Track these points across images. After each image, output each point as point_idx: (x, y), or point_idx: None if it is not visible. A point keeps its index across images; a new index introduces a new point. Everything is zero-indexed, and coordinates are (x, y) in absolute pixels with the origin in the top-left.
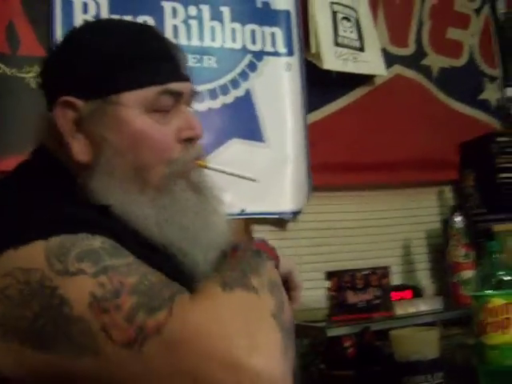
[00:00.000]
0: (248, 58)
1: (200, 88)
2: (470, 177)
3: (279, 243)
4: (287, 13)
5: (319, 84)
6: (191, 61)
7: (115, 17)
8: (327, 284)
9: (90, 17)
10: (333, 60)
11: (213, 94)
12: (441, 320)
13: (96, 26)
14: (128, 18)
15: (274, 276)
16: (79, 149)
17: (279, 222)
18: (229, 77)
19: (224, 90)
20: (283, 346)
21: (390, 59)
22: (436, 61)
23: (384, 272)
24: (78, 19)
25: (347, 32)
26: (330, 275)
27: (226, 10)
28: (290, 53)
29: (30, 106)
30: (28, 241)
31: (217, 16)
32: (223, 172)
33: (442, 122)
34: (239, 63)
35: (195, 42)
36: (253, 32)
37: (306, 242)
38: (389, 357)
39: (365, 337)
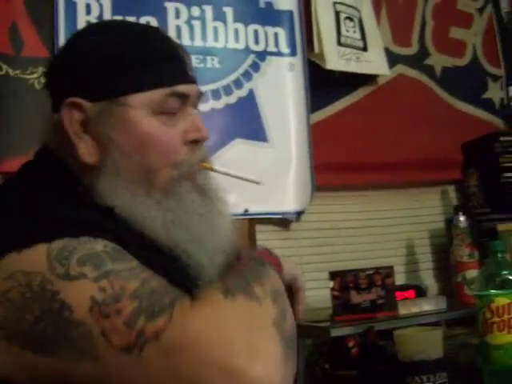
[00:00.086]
0: (251, 58)
1: (203, 88)
2: (473, 176)
3: (282, 243)
4: (290, 13)
5: (322, 84)
6: (194, 61)
7: (118, 18)
8: (331, 284)
9: (93, 18)
10: (336, 60)
11: (216, 95)
12: (445, 320)
13: (103, 27)
14: (131, 18)
15: (276, 285)
16: (86, 150)
17: (282, 221)
18: (232, 77)
19: (227, 90)
20: (283, 354)
21: (393, 59)
22: (439, 60)
23: (388, 272)
24: (81, 20)
25: (350, 32)
26: (334, 275)
27: (228, 11)
28: (293, 53)
29: (34, 107)
30: (31, 244)
31: (220, 16)
32: (228, 174)
33: (445, 122)
34: (242, 63)
35: (198, 43)
36: (256, 32)
37: (310, 241)
38: (392, 356)
39: (368, 337)
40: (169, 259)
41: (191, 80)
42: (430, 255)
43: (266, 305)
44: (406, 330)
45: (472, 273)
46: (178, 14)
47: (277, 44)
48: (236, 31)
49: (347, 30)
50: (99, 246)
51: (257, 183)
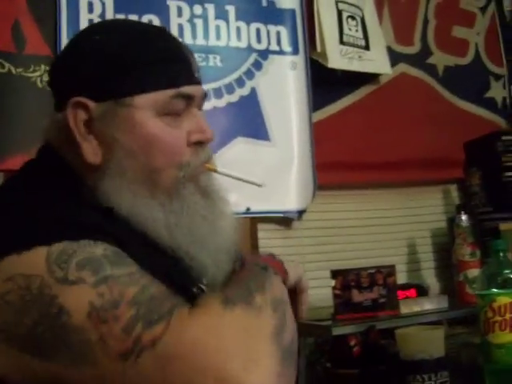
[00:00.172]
0: (253, 56)
1: (205, 87)
2: (475, 175)
3: (284, 242)
4: (292, 11)
5: (324, 83)
6: (196, 60)
7: (120, 16)
8: (332, 283)
9: (95, 16)
10: (338, 58)
11: (218, 93)
12: (446, 319)
13: (108, 27)
14: (133, 17)
15: (279, 293)
16: (90, 150)
17: (284, 220)
18: (234, 76)
19: (229, 88)
20: (279, 365)
21: (395, 58)
22: (441, 59)
23: (389, 271)
24: (84, 18)
25: (352, 30)
26: (335, 274)
27: (231, 9)
28: (296, 51)
29: (36, 105)
30: (31, 246)
31: (222, 15)
32: (230, 176)
33: (447, 121)
34: (244, 62)
35: (200, 41)
36: (258, 31)
37: (311, 240)
38: (394, 355)
39: (370, 335)
40: (171, 260)
41: (196, 81)
42: (432, 254)
43: (266, 315)
44: (407, 329)
45: (474, 272)
46: (180, 13)
47: (279, 42)
48: (238, 30)
49: (349, 29)
50: (99, 249)
51: (258, 186)
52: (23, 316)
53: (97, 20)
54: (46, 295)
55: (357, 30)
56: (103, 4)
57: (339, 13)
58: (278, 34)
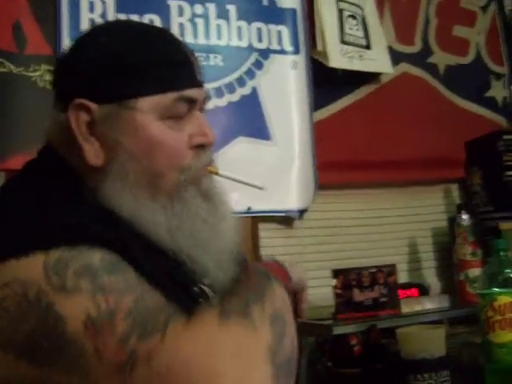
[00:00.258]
0: (254, 56)
1: (206, 86)
2: (476, 175)
3: (285, 241)
4: (293, 11)
5: (325, 82)
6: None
7: (121, 16)
8: (333, 282)
9: (96, 16)
10: (339, 58)
11: (219, 93)
12: (447, 318)
13: (113, 28)
14: (134, 16)
15: (279, 302)
16: (92, 152)
17: (285, 220)
18: (235, 75)
19: (230, 88)
20: (274, 382)
21: (396, 57)
22: (442, 58)
23: (390, 270)
24: (85, 18)
25: (353, 30)
26: (337, 273)
27: (232, 8)
28: (296, 51)
29: (37, 105)
30: (29, 252)
31: (223, 14)
32: (232, 179)
33: (448, 120)
34: (245, 61)
35: (201, 41)
36: (259, 30)
37: (312, 239)
38: (395, 355)
39: (371, 335)
40: (173, 263)
41: (199, 84)
42: (433, 253)
43: (262, 330)
44: (408, 329)
45: (475, 271)
46: (181, 12)
47: (280, 42)
48: (239, 29)
49: (350, 28)
50: (96, 256)
51: (260, 189)
52: (20, 323)
53: (98, 19)
54: (42, 302)
55: (357, 30)
56: (104, 4)
57: (340, 12)
58: (279, 33)
